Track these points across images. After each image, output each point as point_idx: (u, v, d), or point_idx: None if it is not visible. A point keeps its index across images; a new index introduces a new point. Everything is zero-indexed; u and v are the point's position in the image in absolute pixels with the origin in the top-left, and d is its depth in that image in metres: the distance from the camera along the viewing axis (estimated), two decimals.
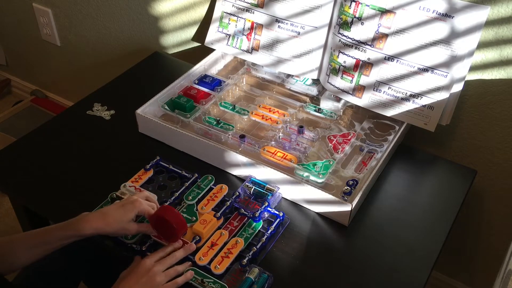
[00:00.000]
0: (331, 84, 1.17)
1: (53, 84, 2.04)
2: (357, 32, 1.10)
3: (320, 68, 1.20)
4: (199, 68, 1.28)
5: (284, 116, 1.15)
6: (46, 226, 1.21)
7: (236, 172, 1.08)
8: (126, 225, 0.89)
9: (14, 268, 0.89)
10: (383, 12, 1.06)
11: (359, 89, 1.14)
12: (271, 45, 1.24)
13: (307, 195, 1.00)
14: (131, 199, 0.92)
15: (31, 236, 0.90)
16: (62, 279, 1.07)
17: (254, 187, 1.02)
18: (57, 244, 0.89)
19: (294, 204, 1.03)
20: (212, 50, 1.33)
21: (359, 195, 0.97)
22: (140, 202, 0.91)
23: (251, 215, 0.97)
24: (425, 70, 1.05)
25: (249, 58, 1.28)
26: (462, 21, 1.00)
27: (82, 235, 0.87)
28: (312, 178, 1.01)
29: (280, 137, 1.11)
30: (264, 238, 0.94)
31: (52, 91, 2.07)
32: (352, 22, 1.10)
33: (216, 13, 1.30)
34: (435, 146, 1.21)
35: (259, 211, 0.97)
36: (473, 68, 1.07)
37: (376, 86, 1.11)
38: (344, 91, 1.16)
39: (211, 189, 1.03)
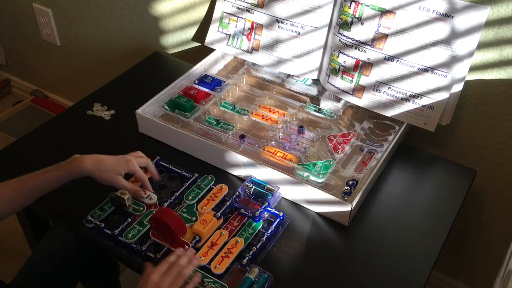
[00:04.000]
0: (331, 84, 1.17)
1: (53, 84, 2.04)
2: (357, 32, 1.10)
3: (320, 68, 1.20)
4: (199, 68, 1.28)
5: (284, 116, 1.15)
6: (46, 226, 1.22)
7: (236, 172, 1.08)
8: (116, 177, 0.94)
9: None
10: (383, 12, 1.06)
11: (359, 89, 1.14)
12: (271, 45, 1.24)
13: (307, 195, 1.00)
14: (126, 157, 0.97)
15: (15, 185, 0.90)
16: (60, 280, 1.07)
17: (254, 187, 1.02)
18: (43, 189, 0.91)
19: (294, 204, 1.03)
20: (212, 50, 1.33)
21: (359, 195, 0.97)
22: (133, 162, 0.96)
23: (251, 215, 0.97)
24: (425, 70, 1.05)
25: (249, 58, 1.28)
26: (462, 21, 1.00)
27: (74, 175, 0.92)
28: (312, 178, 1.01)
29: (280, 137, 1.11)
30: (264, 238, 0.94)
31: (52, 91, 2.07)
32: (352, 22, 1.10)
33: (216, 13, 1.30)
34: (435, 146, 1.21)
35: (259, 211, 0.97)
36: (473, 68, 1.07)
37: (376, 86, 1.11)
38: (344, 91, 1.16)
39: (211, 189, 1.03)
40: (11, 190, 0.90)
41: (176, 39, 1.52)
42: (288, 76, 1.26)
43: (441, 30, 1.02)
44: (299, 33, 1.19)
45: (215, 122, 1.13)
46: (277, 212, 0.98)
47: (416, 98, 1.08)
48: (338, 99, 1.19)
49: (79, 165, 0.92)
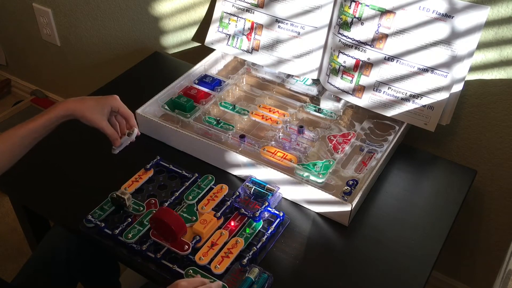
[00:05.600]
0: (331, 84, 1.17)
1: (53, 84, 2.04)
2: (357, 32, 1.10)
3: (320, 68, 1.20)
4: (199, 68, 1.28)
5: (284, 116, 1.15)
6: (46, 226, 1.22)
7: (236, 172, 1.08)
8: (99, 117, 0.94)
9: None
10: (383, 12, 1.06)
11: (359, 89, 1.14)
12: (271, 45, 1.24)
13: (307, 195, 1.00)
14: (109, 95, 0.98)
15: (7, 137, 0.90)
16: (60, 280, 1.07)
17: (254, 187, 1.02)
18: (33, 136, 0.92)
19: (294, 204, 1.03)
20: (212, 50, 1.33)
21: (359, 195, 0.97)
22: (116, 98, 0.98)
23: (251, 215, 0.97)
24: (425, 70, 1.05)
25: (249, 58, 1.28)
26: (462, 21, 1.00)
27: (59, 116, 0.92)
28: (312, 178, 1.01)
29: (280, 137, 1.11)
30: (264, 238, 0.94)
31: (52, 91, 2.07)
32: (352, 22, 1.10)
33: (216, 13, 1.30)
34: (435, 146, 1.21)
35: (259, 211, 0.97)
36: (473, 68, 1.07)
37: (376, 86, 1.11)
38: (344, 91, 1.16)
39: (211, 189, 1.03)
40: (7, 139, 0.90)
41: (176, 39, 1.52)
42: (288, 76, 1.26)
43: (441, 30, 1.02)
44: (299, 33, 1.19)
45: (215, 122, 1.13)
46: (277, 212, 0.98)
47: (416, 98, 1.08)
48: (338, 99, 1.19)
49: (63, 105, 0.93)
